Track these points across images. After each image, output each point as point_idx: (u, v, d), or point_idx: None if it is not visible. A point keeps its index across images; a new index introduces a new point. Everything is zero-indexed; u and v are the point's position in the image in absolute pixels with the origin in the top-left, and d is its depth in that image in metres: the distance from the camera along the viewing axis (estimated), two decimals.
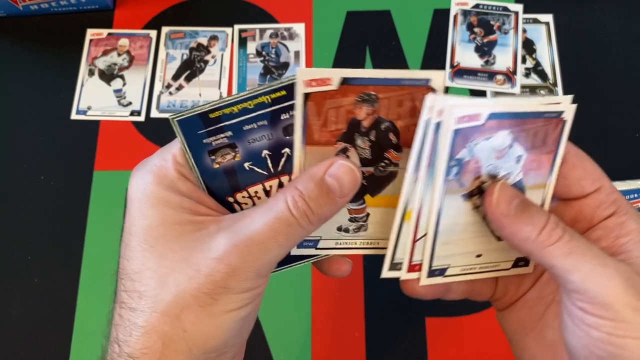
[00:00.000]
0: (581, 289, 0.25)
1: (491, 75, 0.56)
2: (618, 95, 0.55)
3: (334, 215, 0.27)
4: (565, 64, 0.57)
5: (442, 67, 0.57)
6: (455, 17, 0.58)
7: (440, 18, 0.59)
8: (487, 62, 0.57)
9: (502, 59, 0.57)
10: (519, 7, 0.58)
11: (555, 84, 0.56)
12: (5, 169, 0.55)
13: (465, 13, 0.59)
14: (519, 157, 0.29)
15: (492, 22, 0.58)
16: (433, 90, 0.26)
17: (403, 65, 0.57)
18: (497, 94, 0.56)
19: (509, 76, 0.56)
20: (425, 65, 0.57)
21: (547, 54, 0.57)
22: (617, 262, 0.26)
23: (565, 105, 0.28)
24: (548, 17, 0.58)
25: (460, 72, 0.56)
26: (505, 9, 0.59)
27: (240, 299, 0.25)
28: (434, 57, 0.57)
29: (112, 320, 0.28)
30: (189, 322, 0.24)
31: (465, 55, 0.57)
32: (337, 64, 0.58)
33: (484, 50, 0.57)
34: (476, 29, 0.58)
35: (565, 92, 0.56)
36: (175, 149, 0.29)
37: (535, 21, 0.58)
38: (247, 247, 0.25)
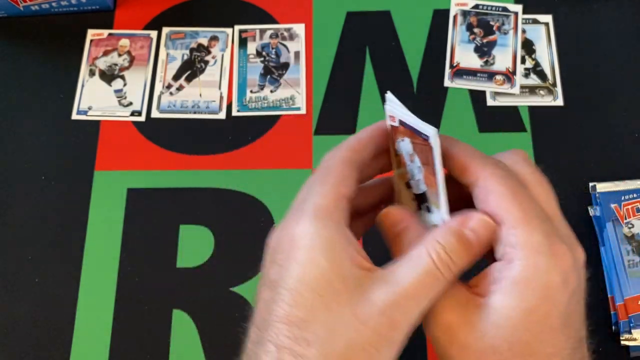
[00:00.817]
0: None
1: (491, 76, 0.56)
2: (617, 96, 0.56)
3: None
4: (565, 64, 0.57)
5: (442, 67, 0.57)
6: (455, 17, 0.59)
7: (440, 18, 0.59)
8: (486, 62, 0.57)
9: (502, 59, 0.57)
10: (518, 8, 0.59)
11: (554, 84, 0.56)
12: (6, 168, 0.55)
13: (465, 13, 0.59)
14: (419, 167, 0.30)
15: (491, 23, 0.58)
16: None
17: (403, 65, 0.57)
18: (496, 94, 0.56)
19: (509, 76, 0.56)
20: (425, 66, 0.57)
21: (547, 55, 0.57)
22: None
23: (429, 129, 0.28)
24: (548, 18, 0.58)
25: (459, 73, 0.57)
26: (505, 9, 0.59)
27: (397, 350, 0.27)
28: (434, 57, 0.57)
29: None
30: None
31: (465, 56, 0.57)
32: (337, 64, 0.58)
33: (484, 50, 0.57)
34: (476, 30, 0.58)
35: (565, 93, 0.56)
36: (334, 180, 0.29)
37: (535, 22, 0.58)
38: (405, 301, 0.26)
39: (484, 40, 0.58)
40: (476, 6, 0.59)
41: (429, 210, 0.32)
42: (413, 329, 0.27)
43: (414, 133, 0.30)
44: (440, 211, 0.29)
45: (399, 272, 0.27)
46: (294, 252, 0.28)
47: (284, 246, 0.29)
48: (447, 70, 0.57)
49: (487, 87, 0.56)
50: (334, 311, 0.26)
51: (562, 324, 0.28)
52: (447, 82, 0.56)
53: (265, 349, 0.28)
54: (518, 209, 0.28)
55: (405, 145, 0.31)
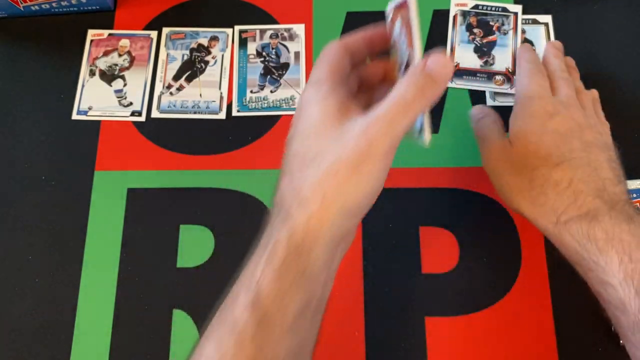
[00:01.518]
0: None
1: (490, 76, 0.56)
2: (617, 96, 0.56)
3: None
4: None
5: None
6: (454, 17, 0.59)
7: (440, 19, 0.59)
8: (486, 62, 0.57)
9: (501, 59, 0.57)
10: (518, 8, 0.59)
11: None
12: (6, 169, 0.55)
13: (465, 14, 0.59)
14: (404, 41, 0.37)
15: (491, 23, 0.58)
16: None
17: None
18: (496, 94, 0.56)
19: (508, 77, 0.56)
20: None
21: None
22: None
23: None
24: (547, 18, 0.59)
25: (459, 73, 0.57)
26: (505, 9, 0.59)
27: (376, 167, 0.33)
28: None
29: (280, 185, 0.36)
30: (343, 180, 0.33)
31: (465, 56, 0.57)
32: None
33: (483, 50, 0.57)
34: (475, 30, 0.58)
35: None
36: (327, 59, 0.37)
37: (535, 22, 0.59)
38: (379, 123, 0.33)
39: (484, 41, 0.58)
40: (476, 6, 0.59)
41: (406, 67, 0.37)
42: (389, 150, 0.33)
43: (403, 7, 0.37)
44: (414, 59, 0.35)
45: (374, 109, 0.34)
46: (299, 113, 0.36)
47: (295, 114, 0.37)
48: None
49: (487, 88, 0.56)
50: (324, 139, 0.34)
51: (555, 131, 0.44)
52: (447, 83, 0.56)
53: (275, 192, 0.36)
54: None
55: (396, 26, 0.39)
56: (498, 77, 0.56)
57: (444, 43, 0.58)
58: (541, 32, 0.58)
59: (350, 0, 0.60)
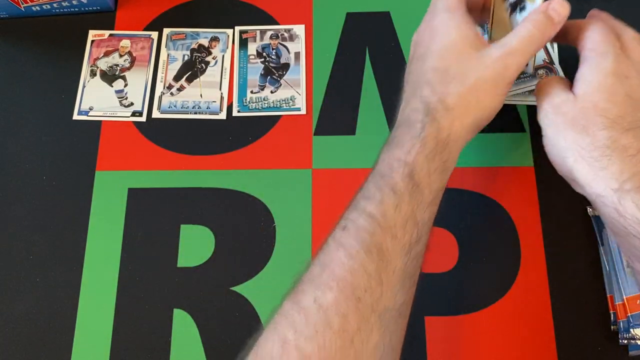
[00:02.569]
0: None
1: (533, 74, 0.56)
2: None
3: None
4: (565, 64, 0.57)
5: None
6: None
7: None
8: None
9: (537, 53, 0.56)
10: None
11: (552, 62, 0.56)
12: (7, 169, 0.55)
13: None
14: None
15: None
16: None
17: (403, 66, 0.58)
18: (530, 90, 0.55)
19: (549, 67, 0.55)
20: None
21: (554, 52, 0.57)
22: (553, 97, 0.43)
23: None
24: None
25: None
26: None
27: (507, 86, 0.42)
28: None
29: (421, 91, 0.42)
30: (482, 95, 0.41)
31: None
32: (337, 65, 0.58)
33: None
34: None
35: None
36: None
37: None
38: (513, 51, 0.41)
39: None
40: None
41: (522, 9, 0.44)
42: (515, 76, 0.42)
43: None
44: (534, 3, 0.43)
45: (507, 39, 0.42)
46: (434, 35, 0.43)
47: (425, 35, 0.44)
48: None
49: (534, 86, 0.55)
50: (465, 61, 0.42)
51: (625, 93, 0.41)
52: None
53: (416, 99, 0.42)
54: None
55: None
56: (541, 72, 0.55)
57: None
58: None
59: (350, 0, 0.61)
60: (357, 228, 0.37)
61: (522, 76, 0.55)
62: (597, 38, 0.43)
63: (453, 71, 0.41)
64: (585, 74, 0.42)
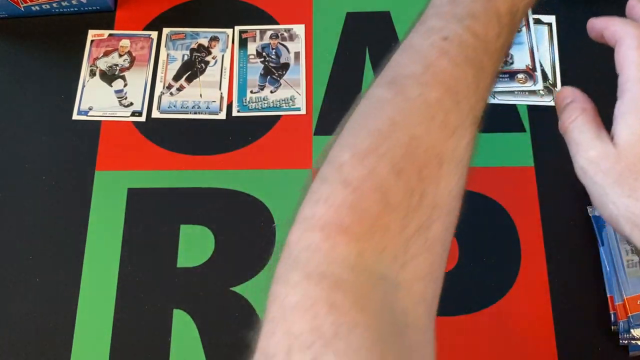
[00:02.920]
0: None
1: (512, 75, 0.56)
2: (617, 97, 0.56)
3: None
4: (566, 64, 0.57)
5: None
6: None
7: None
8: (505, 62, 0.57)
9: (520, 57, 0.57)
10: (551, 20, 0.58)
11: (554, 84, 0.56)
12: (7, 169, 0.55)
13: None
14: None
15: None
16: None
17: None
18: (496, 93, 0.56)
19: (530, 74, 0.56)
20: None
21: (549, 55, 0.57)
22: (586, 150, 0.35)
23: None
24: (551, 18, 0.59)
25: None
26: None
27: None
28: None
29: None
30: None
31: None
32: (337, 65, 0.58)
33: None
34: None
35: None
36: None
37: (538, 22, 0.58)
38: None
39: None
40: None
41: None
42: None
43: None
44: None
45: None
46: None
47: None
48: None
49: (512, 87, 0.56)
50: None
51: None
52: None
53: None
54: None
55: None
56: (520, 76, 0.55)
57: None
58: (544, 32, 0.58)
59: (350, 0, 0.60)
60: (461, 42, 0.35)
61: (500, 76, 0.55)
62: (636, 60, 0.35)
63: None
64: (628, 115, 0.34)
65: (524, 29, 0.57)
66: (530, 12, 0.58)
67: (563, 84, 0.56)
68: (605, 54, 0.59)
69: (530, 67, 0.56)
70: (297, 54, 0.58)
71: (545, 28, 0.58)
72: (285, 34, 0.59)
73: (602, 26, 0.40)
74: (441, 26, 0.37)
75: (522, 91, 0.56)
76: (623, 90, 0.35)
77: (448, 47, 0.35)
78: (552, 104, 0.55)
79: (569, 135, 0.37)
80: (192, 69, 0.58)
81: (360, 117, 0.36)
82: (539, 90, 0.56)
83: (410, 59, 0.36)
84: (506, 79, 0.56)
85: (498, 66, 0.37)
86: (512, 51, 0.57)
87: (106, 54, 0.59)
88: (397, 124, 0.33)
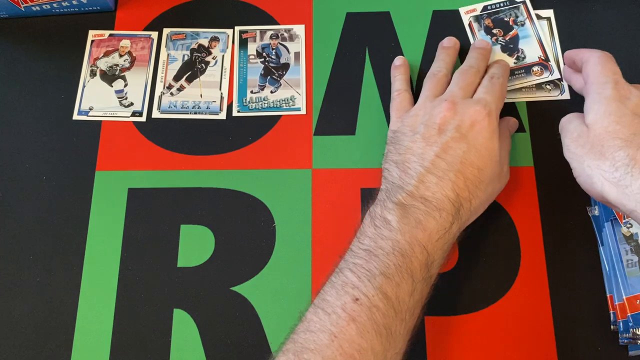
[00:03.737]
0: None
1: (528, 70, 0.56)
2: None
3: None
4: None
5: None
6: (470, 25, 0.58)
7: (439, 19, 0.59)
8: (518, 58, 0.57)
9: (531, 50, 0.57)
10: (549, 14, 0.59)
11: (547, 59, 0.56)
12: (7, 169, 0.55)
13: (478, 18, 0.59)
14: None
15: (506, 19, 0.58)
16: None
17: None
18: (537, 86, 0.56)
19: (544, 64, 0.56)
20: (424, 65, 0.57)
21: (551, 49, 0.57)
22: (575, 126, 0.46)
23: None
24: (549, 13, 0.59)
25: None
26: (512, 1, 0.59)
27: None
28: (433, 57, 0.57)
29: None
30: (491, 198, 0.50)
31: (496, 58, 0.56)
32: (337, 65, 0.58)
33: (510, 48, 0.57)
34: (495, 30, 0.58)
35: (569, 88, 0.56)
36: None
37: (537, 17, 0.58)
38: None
39: (507, 38, 0.58)
40: (485, 8, 0.59)
41: None
42: None
43: None
44: None
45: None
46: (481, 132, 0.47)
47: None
48: None
49: (530, 81, 0.56)
50: (495, 169, 0.48)
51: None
52: None
53: (448, 183, 0.45)
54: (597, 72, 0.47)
55: None
56: (535, 68, 0.56)
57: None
58: (544, 27, 0.58)
59: (350, 0, 0.61)
60: (371, 306, 0.39)
61: (516, 72, 0.55)
62: (596, 69, 0.47)
63: (486, 174, 0.46)
64: (591, 104, 0.45)
65: (527, 21, 0.58)
66: (531, 6, 0.58)
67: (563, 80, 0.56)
68: (605, 48, 0.59)
69: (543, 57, 0.56)
70: (297, 54, 0.59)
71: (545, 23, 0.58)
72: (285, 34, 0.59)
73: (574, 55, 0.51)
74: (354, 283, 0.40)
75: (529, 87, 0.56)
76: (589, 92, 0.46)
77: (358, 312, 0.38)
78: (559, 97, 0.55)
79: (562, 128, 0.48)
80: (192, 69, 0.58)
81: None
82: (545, 85, 0.56)
83: (320, 324, 0.39)
84: (522, 74, 0.56)
85: (412, 325, 0.41)
86: (522, 45, 0.57)
87: (106, 54, 0.59)
88: None
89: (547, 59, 0.56)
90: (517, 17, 0.58)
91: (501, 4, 0.59)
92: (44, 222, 0.53)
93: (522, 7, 0.58)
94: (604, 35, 0.58)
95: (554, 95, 0.55)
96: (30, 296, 0.50)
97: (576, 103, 0.55)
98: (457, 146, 0.45)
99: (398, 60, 0.56)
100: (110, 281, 0.51)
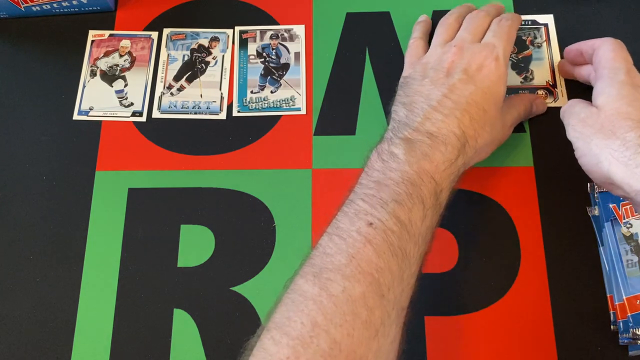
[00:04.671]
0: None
1: (532, 91, 0.55)
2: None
3: None
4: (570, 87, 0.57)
5: None
6: None
7: (439, 19, 0.59)
8: (525, 78, 0.56)
9: (540, 73, 0.56)
10: (548, 19, 0.58)
11: (555, 85, 0.56)
12: (7, 169, 0.55)
13: None
14: None
15: (523, 38, 0.58)
16: None
17: (403, 66, 0.58)
18: (531, 92, 0.56)
19: (550, 90, 0.56)
20: None
21: (547, 54, 0.57)
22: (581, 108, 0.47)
23: None
24: (548, 18, 0.59)
25: None
26: (535, 22, 0.58)
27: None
28: None
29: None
30: (498, 143, 0.51)
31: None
32: (337, 65, 0.58)
33: (521, 67, 0.57)
34: None
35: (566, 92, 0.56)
36: None
37: (535, 23, 0.59)
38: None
39: (519, 56, 0.57)
40: None
41: None
42: None
43: None
44: None
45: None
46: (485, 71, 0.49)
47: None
48: None
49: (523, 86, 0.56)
50: (499, 110, 0.49)
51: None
52: None
53: (454, 121, 0.46)
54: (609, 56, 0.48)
55: None
56: (540, 92, 0.55)
57: None
58: (542, 32, 0.58)
59: (350, 0, 0.61)
60: (386, 229, 0.39)
61: (520, 92, 0.55)
62: (609, 55, 0.47)
63: (489, 115, 0.47)
64: (603, 87, 0.46)
65: (544, 44, 0.57)
66: (553, 29, 0.58)
67: (561, 83, 0.56)
68: None
69: (551, 83, 0.56)
70: (297, 54, 0.59)
71: (542, 28, 0.58)
72: (286, 34, 0.59)
73: (579, 46, 0.52)
74: (367, 209, 0.40)
75: (523, 92, 0.56)
76: (601, 76, 0.47)
77: (373, 234, 0.39)
78: (553, 105, 0.55)
79: (566, 111, 0.48)
80: (192, 69, 0.58)
81: (284, 316, 0.37)
82: (538, 92, 0.56)
83: (336, 248, 0.39)
84: (525, 94, 0.55)
85: (424, 250, 0.42)
86: (532, 67, 0.57)
87: (107, 54, 0.59)
88: (318, 327, 0.35)
89: (554, 85, 0.56)
90: (535, 37, 0.58)
91: (524, 22, 0.58)
92: (44, 222, 0.53)
93: (543, 29, 0.58)
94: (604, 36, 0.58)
95: (548, 102, 0.55)
96: (30, 296, 0.51)
97: None
98: (464, 87, 0.46)
99: (421, 17, 0.58)
100: (110, 281, 0.51)
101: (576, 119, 0.46)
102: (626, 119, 0.43)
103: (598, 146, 0.43)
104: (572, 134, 0.46)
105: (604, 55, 0.47)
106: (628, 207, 0.49)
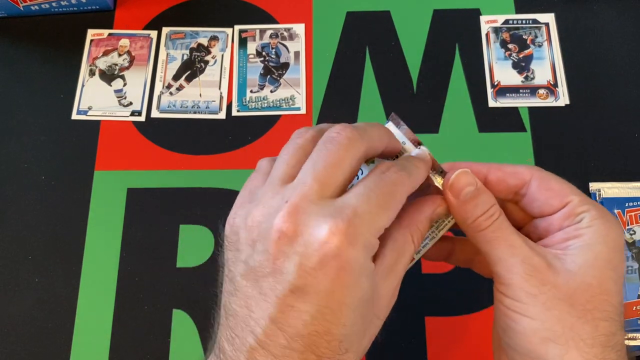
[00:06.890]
0: (493, 270, 0.32)
1: (533, 91, 0.56)
2: (619, 95, 0.56)
3: None
4: (566, 64, 0.57)
5: (441, 67, 0.57)
6: (487, 35, 0.58)
7: (440, 18, 0.59)
8: (526, 77, 0.56)
9: (541, 72, 0.56)
10: (549, 18, 0.58)
11: (555, 85, 0.56)
12: (6, 168, 0.55)
13: (497, 30, 0.58)
14: None
15: (524, 37, 0.58)
16: None
17: (403, 65, 0.57)
18: (497, 94, 0.56)
19: (551, 89, 0.56)
20: (424, 65, 0.57)
21: (548, 54, 0.57)
22: (528, 252, 0.31)
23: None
24: (548, 18, 0.58)
25: (502, 91, 0.56)
26: (535, 21, 0.58)
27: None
28: (433, 57, 0.57)
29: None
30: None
31: (504, 73, 0.56)
32: (337, 64, 0.58)
33: (522, 65, 0.57)
34: (510, 45, 0.58)
35: (568, 92, 0.56)
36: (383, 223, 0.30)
37: (535, 22, 0.58)
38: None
39: (520, 55, 0.57)
40: (506, 21, 0.58)
41: None
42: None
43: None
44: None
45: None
46: (342, 273, 0.28)
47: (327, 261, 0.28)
48: (490, 90, 0.56)
49: (532, 103, 0.55)
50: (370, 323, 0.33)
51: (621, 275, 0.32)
52: (491, 102, 0.55)
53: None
54: (577, 192, 0.33)
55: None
56: (541, 91, 0.55)
57: (445, 43, 0.58)
58: (543, 31, 0.58)
59: (350, 0, 0.60)
60: None
61: (521, 91, 0.54)
62: (612, 226, 0.32)
63: (350, 337, 0.31)
64: (585, 234, 0.31)
65: (545, 43, 0.57)
66: (554, 28, 0.58)
67: (563, 82, 0.56)
68: (605, 52, 0.59)
69: (552, 82, 0.56)
70: (297, 54, 0.58)
71: (543, 27, 0.58)
72: (285, 34, 0.59)
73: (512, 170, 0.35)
74: None
75: (525, 93, 0.56)
76: (582, 220, 0.32)
77: None
78: (553, 104, 0.55)
79: (492, 234, 0.32)
80: (191, 68, 0.58)
81: None
82: (538, 91, 0.56)
83: None
84: (527, 94, 0.55)
85: None
86: (534, 66, 0.57)
87: (105, 53, 0.59)
88: None
89: (555, 85, 0.56)
90: (536, 37, 0.58)
91: (524, 21, 0.58)
92: (42, 222, 0.53)
93: (544, 28, 0.58)
94: (604, 36, 0.58)
95: (548, 102, 0.55)
96: (30, 296, 0.50)
97: (572, 109, 0.55)
98: (301, 307, 0.28)
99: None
100: (109, 281, 0.51)
101: (528, 265, 0.31)
102: (606, 300, 0.31)
103: (561, 323, 0.30)
104: (513, 285, 0.31)
105: (605, 225, 0.32)
106: (633, 214, 0.49)
